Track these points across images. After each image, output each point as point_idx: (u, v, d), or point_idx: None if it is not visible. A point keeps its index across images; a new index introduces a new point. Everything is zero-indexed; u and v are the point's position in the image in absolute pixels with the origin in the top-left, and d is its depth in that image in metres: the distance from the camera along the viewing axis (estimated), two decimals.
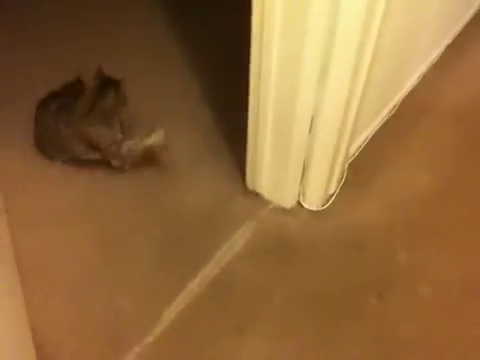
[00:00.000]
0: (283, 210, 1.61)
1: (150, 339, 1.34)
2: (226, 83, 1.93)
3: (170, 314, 1.38)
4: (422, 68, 2.00)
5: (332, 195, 1.63)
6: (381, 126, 1.81)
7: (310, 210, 1.61)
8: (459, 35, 2.16)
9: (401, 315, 1.42)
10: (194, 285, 1.44)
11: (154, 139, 1.56)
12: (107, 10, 2.25)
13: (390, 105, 1.85)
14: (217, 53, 2.07)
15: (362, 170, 1.69)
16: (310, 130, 1.38)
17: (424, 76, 2.00)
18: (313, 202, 1.60)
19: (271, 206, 1.63)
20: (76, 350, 1.34)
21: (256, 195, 1.65)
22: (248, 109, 1.43)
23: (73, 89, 1.62)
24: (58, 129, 1.58)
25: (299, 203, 1.62)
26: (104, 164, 1.63)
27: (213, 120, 1.85)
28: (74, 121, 1.54)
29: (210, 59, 2.06)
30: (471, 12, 2.23)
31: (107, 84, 1.55)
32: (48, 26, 2.16)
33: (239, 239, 1.54)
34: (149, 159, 1.64)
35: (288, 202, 1.61)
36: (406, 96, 1.92)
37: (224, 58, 2.04)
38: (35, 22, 2.17)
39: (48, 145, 1.67)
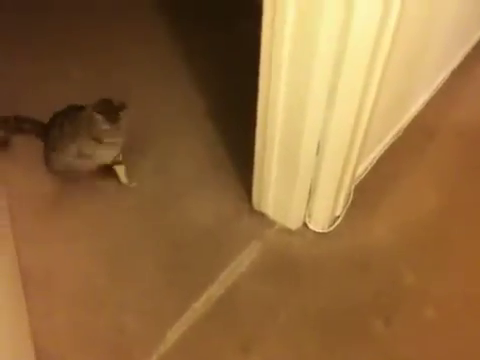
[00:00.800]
0: (289, 231, 1.62)
1: (154, 358, 1.33)
2: (232, 99, 1.96)
3: (174, 334, 1.38)
4: (428, 92, 2.01)
5: (338, 217, 1.63)
6: (387, 148, 1.82)
7: (316, 231, 1.61)
8: (465, 59, 2.18)
9: (406, 338, 1.41)
10: (199, 305, 1.44)
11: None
12: (111, 26, 2.28)
13: (397, 128, 1.86)
14: (223, 69, 2.09)
15: (368, 192, 1.69)
16: (317, 152, 1.39)
17: (430, 99, 2.01)
18: (319, 223, 1.60)
19: (277, 227, 1.63)
20: None
21: (262, 215, 1.65)
22: (254, 127, 1.45)
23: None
24: (66, 146, 1.59)
25: (305, 224, 1.62)
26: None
27: (218, 136, 1.87)
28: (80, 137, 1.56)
29: (216, 75, 2.08)
30: (476, 37, 2.26)
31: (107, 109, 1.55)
32: (54, 39, 2.19)
33: (245, 259, 1.54)
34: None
35: (294, 223, 1.61)
36: (412, 119, 1.93)
37: (231, 75, 2.06)
38: (41, 35, 2.20)
39: (53, 158, 1.67)
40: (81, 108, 1.57)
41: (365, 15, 1.08)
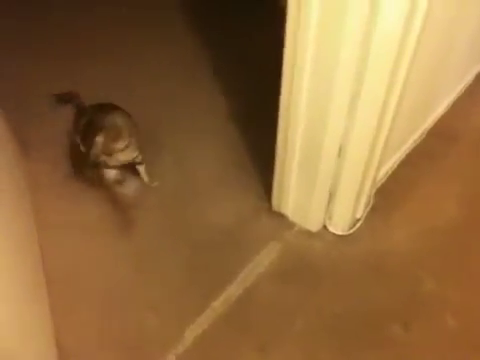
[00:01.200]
0: (308, 233, 1.62)
1: (173, 357, 1.35)
2: (254, 100, 1.97)
3: (193, 332, 1.39)
4: (451, 96, 1.99)
5: (359, 220, 1.62)
6: (409, 152, 1.81)
7: (336, 234, 1.61)
8: None
9: (425, 344, 1.40)
10: (218, 304, 1.45)
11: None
12: (137, 28, 2.30)
13: (419, 132, 1.85)
14: (247, 71, 2.10)
15: (389, 196, 1.68)
16: (338, 155, 1.39)
17: (453, 104, 1.99)
18: (339, 226, 1.60)
19: (296, 228, 1.63)
20: None
21: (281, 216, 1.65)
22: (276, 128, 1.45)
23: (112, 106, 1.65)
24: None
25: (325, 227, 1.62)
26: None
27: (240, 137, 1.88)
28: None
29: (240, 77, 2.09)
30: None
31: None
32: (81, 42, 2.22)
33: (264, 260, 1.55)
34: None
35: (314, 225, 1.61)
36: (435, 123, 1.91)
37: (254, 77, 2.07)
38: (68, 38, 2.24)
39: (78, 158, 1.70)
40: (111, 109, 1.60)
41: (390, 18, 1.08)
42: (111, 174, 1.56)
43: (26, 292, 1.31)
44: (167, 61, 2.16)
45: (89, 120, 1.57)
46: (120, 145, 1.50)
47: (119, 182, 1.50)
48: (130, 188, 1.51)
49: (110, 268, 1.54)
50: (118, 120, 1.52)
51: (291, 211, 1.63)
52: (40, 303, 1.41)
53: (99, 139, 1.46)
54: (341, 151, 1.37)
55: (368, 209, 1.64)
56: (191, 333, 1.39)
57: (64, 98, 1.73)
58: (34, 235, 1.57)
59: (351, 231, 1.61)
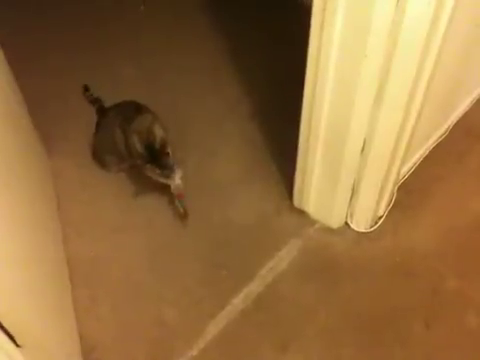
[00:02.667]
0: (330, 230, 1.61)
1: (194, 352, 1.36)
2: (278, 99, 1.95)
3: (214, 328, 1.40)
4: (477, 91, 1.95)
5: (381, 217, 1.61)
6: (433, 148, 1.78)
7: (358, 231, 1.60)
8: None
9: (447, 343, 1.39)
10: (238, 301, 1.45)
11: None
12: (160, 29, 2.30)
13: (444, 127, 1.82)
14: (269, 69, 2.09)
15: (413, 193, 1.66)
16: (362, 152, 1.37)
17: (479, 99, 1.96)
18: (361, 223, 1.59)
19: (318, 225, 1.62)
20: (121, 357, 1.37)
21: (303, 213, 1.65)
22: (299, 126, 1.44)
23: (136, 105, 1.66)
24: (114, 134, 1.62)
25: (347, 224, 1.61)
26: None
27: (263, 136, 1.87)
28: (129, 131, 1.58)
29: (262, 75, 2.08)
30: None
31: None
32: (105, 41, 2.22)
33: (285, 257, 1.54)
34: None
35: (335, 222, 1.60)
36: (460, 118, 1.88)
37: (277, 74, 2.06)
38: (92, 35, 2.25)
39: (104, 153, 1.73)
40: (137, 108, 1.61)
41: (419, 7, 1.06)
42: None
43: (49, 283, 1.33)
44: (187, 59, 2.16)
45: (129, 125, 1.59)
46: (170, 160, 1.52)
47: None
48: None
49: (131, 262, 1.55)
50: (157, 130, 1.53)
51: (312, 208, 1.62)
52: (63, 294, 1.43)
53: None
54: (365, 146, 1.36)
55: (390, 206, 1.62)
56: (212, 329, 1.39)
57: (89, 98, 1.76)
58: (58, 229, 1.59)
59: (373, 228, 1.60)
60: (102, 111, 1.75)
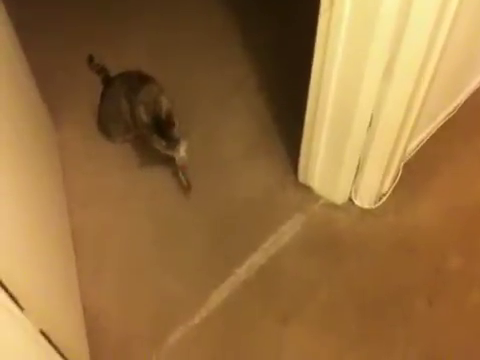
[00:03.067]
0: (334, 206, 1.61)
1: (196, 320, 1.37)
2: (285, 75, 1.94)
3: (216, 298, 1.41)
4: None
5: (385, 194, 1.60)
6: (441, 126, 1.77)
7: (362, 208, 1.59)
8: None
9: (450, 320, 1.40)
10: (241, 271, 1.46)
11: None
12: (168, 3, 2.27)
13: (452, 105, 1.80)
14: (277, 45, 2.07)
15: (418, 171, 1.65)
16: (368, 127, 1.36)
17: None
18: (365, 200, 1.58)
19: (322, 201, 1.62)
20: (124, 326, 1.39)
21: (307, 188, 1.64)
22: (305, 102, 1.43)
23: (141, 75, 1.65)
24: (119, 103, 1.62)
25: (350, 200, 1.60)
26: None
27: (268, 110, 1.86)
28: (136, 101, 1.58)
29: (270, 51, 2.06)
30: None
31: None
32: (113, 23, 2.19)
33: (288, 231, 1.55)
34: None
35: (339, 198, 1.60)
36: (469, 97, 1.86)
37: (284, 50, 2.04)
38: (102, 8, 2.23)
39: (109, 122, 1.72)
40: (142, 78, 1.60)
41: None
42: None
43: (54, 251, 1.35)
44: (198, 31, 2.13)
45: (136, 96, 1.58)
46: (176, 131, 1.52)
47: (172, 147, 1.53)
48: (182, 151, 1.54)
49: (136, 233, 1.56)
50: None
51: (317, 184, 1.62)
52: (67, 263, 1.45)
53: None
54: (372, 122, 1.34)
55: (395, 183, 1.62)
56: (215, 298, 1.41)
57: (95, 68, 1.75)
58: (63, 199, 1.60)
59: (377, 205, 1.60)
60: (107, 81, 1.74)
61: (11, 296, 0.95)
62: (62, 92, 1.88)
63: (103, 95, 1.71)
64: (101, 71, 1.76)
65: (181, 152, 1.53)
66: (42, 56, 1.89)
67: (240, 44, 2.10)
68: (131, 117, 1.59)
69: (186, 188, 1.60)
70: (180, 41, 2.10)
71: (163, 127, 1.49)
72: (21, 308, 0.97)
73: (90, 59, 1.78)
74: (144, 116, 1.49)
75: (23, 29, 1.66)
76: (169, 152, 1.53)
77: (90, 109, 1.79)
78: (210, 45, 2.10)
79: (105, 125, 1.75)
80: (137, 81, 1.61)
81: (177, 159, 1.55)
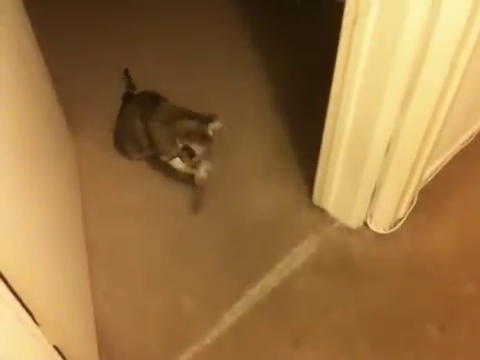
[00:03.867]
0: (348, 229, 1.60)
1: (208, 341, 1.37)
2: (302, 92, 1.95)
3: (229, 318, 1.41)
4: None
5: (400, 219, 1.60)
6: (458, 153, 1.76)
7: (376, 232, 1.59)
8: None
9: (461, 347, 1.39)
10: (254, 293, 1.46)
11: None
12: (183, 17, 2.30)
13: (469, 132, 1.80)
14: (295, 62, 2.09)
15: (434, 196, 1.65)
16: (386, 152, 1.37)
17: None
18: (380, 225, 1.58)
19: (336, 224, 1.62)
20: (136, 343, 1.39)
21: (321, 210, 1.65)
22: (322, 121, 1.43)
23: (156, 96, 1.68)
24: (133, 123, 1.65)
25: (365, 224, 1.60)
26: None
27: (285, 129, 1.87)
28: (150, 120, 1.60)
29: (287, 68, 2.07)
30: None
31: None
32: (132, 27, 2.23)
33: (302, 253, 1.55)
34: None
35: (354, 222, 1.60)
36: None
37: (302, 67, 2.05)
38: (115, 23, 2.26)
39: (125, 141, 1.74)
40: (155, 99, 1.63)
41: (454, 9, 1.05)
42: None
43: (68, 264, 1.36)
44: (211, 50, 2.16)
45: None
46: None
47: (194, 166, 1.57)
48: (202, 170, 1.56)
49: (150, 248, 1.57)
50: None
51: (332, 206, 1.62)
52: (81, 276, 1.45)
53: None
54: (389, 148, 1.35)
55: (411, 208, 1.61)
56: (227, 319, 1.41)
57: (126, 81, 1.80)
58: (79, 211, 1.61)
59: (392, 230, 1.59)
60: (127, 98, 1.76)
61: (28, 311, 0.96)
62: (82, 102, 1.90)
63: (120, 113, 1.74)
64: (129, 87, 1.79)
65: (201, 172, 1.54)
66: (63, 64, 1.91)
67: (258, 63, 2.11)
68: (146, 136, 1.61)
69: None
70: (195, 53, 2.13)
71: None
72: (37, 323, 0.99)
73: (126, 72, 1.81)
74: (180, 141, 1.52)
75: (45, 37, 1.66)
76: (189, 171, 1.55)
77: (108, 121, 1.81)
78: (227, 59, 2.12)
79: (120, 143, 1.77)
80: (149, 101, 1.65)
81: (196, 178, 1.56)
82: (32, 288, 0.97)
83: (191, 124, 1.53)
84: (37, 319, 0.99)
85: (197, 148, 1.54)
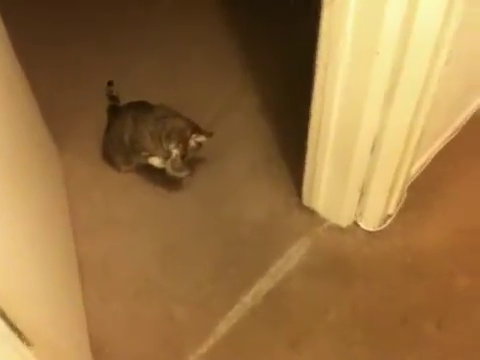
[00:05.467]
0: (339, 229, 1.60)
1: (203, 350, 1.36)
2: (287, 93, 1.94)
3: (224, 326, 1.40)
4: None
5: (390, 216, 1.60)
6: (445, 147, 1.77)
7: (367, 230, 1.59)
8: None
9: (459, 343, 1.38)
10: (248, 299, 1.45)
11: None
12: (167, 21, 2.29)
13: (455, 125, 1.80)
14: (279, 63, 2.08)
15: (422, 192, 1.65)
16: (372, 150, 1.37)
17: None
18: (370, 222, 1.58)
19: (327, 224, 1.62)
20: (131, 355, 1.38)
21: (312, 211, 1.64)
22: (308, 121, 1.43)
23: (146, 104, 1.68)
24: (123, 132, 1.64)
25: (356, 223, 1.60)
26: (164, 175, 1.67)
27: (273, 133, 1.86)
28: (142, 120, 1.61)
29: (272, 69, 2.07)
30: None
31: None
32: (117, 38, 2.22)
33: (294, 255, 1.54)
34: None
35: (344, 221, 1.60)
36: (472, 116, 1.86)
37: (286, 68, 2.05)
38: (104, 34, 2.25)
39: (114, 152, 1.74)
40: (147, 108, 1.63)
41: (430, 5, 1.05)
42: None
43: (60, 280, 1.35)
44: (197, 54, 2.14)
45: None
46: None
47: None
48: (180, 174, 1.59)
49: (142, 260, 1.56)
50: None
51: (322, 207, 1.62)
52: (73, 291, 1.44)
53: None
54: (375, 145, 1.35)
55: (400, 205, 1.61)
56: (222, 326, 1.40)
57: (110, 94, 1.81)
58: (68, 226, 1.60)
59: (382, 227, 1.59)
60: (114, 110, 1.75)
61: (18, 332, 0.94)
62: (67, 117, 1.88)
63: (109, 125, 1.73)
64: (113, 99, 1.78)
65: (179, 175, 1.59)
66: (47, 80, 1.90)
67: (244, 61, 2.11)
68: (132, 143, 1.60)
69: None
70: (185, 59, 2.12)
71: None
72: (28, 344, 0.97)
73: (109, 83, 1.81)
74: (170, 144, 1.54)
75: (26, 51, 1.65)
76: (170, 173, 1.57)
77: (96, 135, 1.79)
78: (215, 63, 2.11)
79: (109, 154, 1.76)
80: (142, 108, 1.64)
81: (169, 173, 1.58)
82: (23, 309, 0.96)
83: (178, 125, 1.55)
84: (29, 340, 0.97)
85: (173, 150, 1.55)
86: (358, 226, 1.60)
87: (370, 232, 1.59)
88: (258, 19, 2.28)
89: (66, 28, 2.22)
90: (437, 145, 1.76)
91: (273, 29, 2.22)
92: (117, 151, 1.71)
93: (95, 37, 2.21)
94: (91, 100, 1.89)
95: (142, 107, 1.66)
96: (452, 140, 1.79)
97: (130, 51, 2.15)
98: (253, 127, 1.89)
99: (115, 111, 1.75)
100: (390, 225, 1.60)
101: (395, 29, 1.10)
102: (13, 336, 0.92)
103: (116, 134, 1.68)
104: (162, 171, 1.60)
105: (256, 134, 1.87)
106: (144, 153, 1.60)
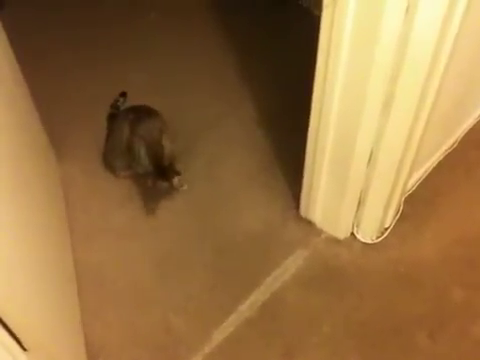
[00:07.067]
0: (336, 240, 1.61)
1: (199, 359, 1.37)
2: (285, 107, 1.96)
3: (219, 335, 1.41)
4: None
5: (387, 228, 1.61)
6: (441, 160, 1.78)
7: (364, 242, 1.60)
8: None
9: (451, 355, 1.39)
10: (244, 308, 1.46)
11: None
12: (169, 35, 2.30)
13: (452, 139, 1.82)
14: (276, 74, 2.09)
15: (419, 204, 1.66)
16: (369, 162, 1.38)
17: None
18: (367, 234, 1.59)
19: (324, 235, 1.63)
20: None
21: (309, 223, 1.65)
22: (304, 132, 1.44)
23: (146, 109, 1.70)
24: (122, 136, 1.66)
25: (353, 234, 1.61)
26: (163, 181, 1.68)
27: (268, 141, 1.88)
28: (137, 134, 1.63)
29: (269, 80, 2.08)
30: None
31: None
32: (115, 47, 2.23)
33: (291, 266, 1.55)
34: None
35: (341, 233, 1.61)
36: (468, 131, 1.88)
37: (285, 82, 2.07)
38: (104, 41, 2.26)
39: (114, 156, 1.75)
40: (148, 111, 1.66)
41: (427, 20, 1.07)
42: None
43: (56, 287, 1.35)
44: (194, 65, 2.16)
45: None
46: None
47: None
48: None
49: (138, 268, 1.57)
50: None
51: (319, 218, 1.62)
52: (70, 299, 1.45)
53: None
54: (372, 158, 1.36)
55: (397, 217, 1.62)
56: (218, 335, 1.40)
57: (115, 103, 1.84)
58: (66, 234, 1.61)
59: (379, 239, 1.60)
60: (113, 117, 1.77)
61: (14, 337, 0.95)
62: (65, 126, 1.89)
63: (110, 130, 1.75)
64: (114, 107, 1.80)
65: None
66: (45, 88, 1.90)
67: (241, 73, 2.12)
68: (129, 150, 1.62)
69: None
70: (180, 71, 2.12)
71: (165, 172, 1.58)
72: (24, 349, 0.98)
73: (122, 94, 1.84)
74: (143, 159, 1.57)
75: (26, 60, 1.65)
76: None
77: (94, 144, 1.81)
78: (210, 75, 2.12)
79: (109, 158, 1.77)
80: (142, 112, 1.67)
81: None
82: (20, 314, 0.97)
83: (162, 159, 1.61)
84: (25, 345, 0.98)
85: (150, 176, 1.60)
86: (355, 238, 1.61)
87: (367, 244, 1.60)
88: (254, 30, 2.31)
89: (65, 37, 2.23)
90: (434, 159, 1.77)
91: (269, 40, 2.24)
92: (117, 154, 1.72)
93: (95, 46, 2.22)
94: (89, 109, 1.91)
95: (141, 114, 1.67)
96: (448, 154, 1.80)
97: (127, 61, 2.16)
98: (249, 137, 1.90)
99: (114, 118, 1.77)
100: (387, 237, 1.60)
101: (392, 40, 1.11)
102: (9, 341, 0.93)
103: (117, 135, 1.70)
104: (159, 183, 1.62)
105: (252, 144, 1.88)
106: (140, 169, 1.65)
